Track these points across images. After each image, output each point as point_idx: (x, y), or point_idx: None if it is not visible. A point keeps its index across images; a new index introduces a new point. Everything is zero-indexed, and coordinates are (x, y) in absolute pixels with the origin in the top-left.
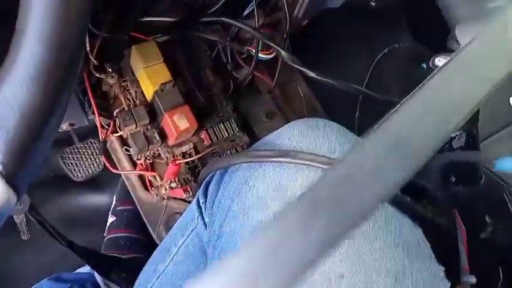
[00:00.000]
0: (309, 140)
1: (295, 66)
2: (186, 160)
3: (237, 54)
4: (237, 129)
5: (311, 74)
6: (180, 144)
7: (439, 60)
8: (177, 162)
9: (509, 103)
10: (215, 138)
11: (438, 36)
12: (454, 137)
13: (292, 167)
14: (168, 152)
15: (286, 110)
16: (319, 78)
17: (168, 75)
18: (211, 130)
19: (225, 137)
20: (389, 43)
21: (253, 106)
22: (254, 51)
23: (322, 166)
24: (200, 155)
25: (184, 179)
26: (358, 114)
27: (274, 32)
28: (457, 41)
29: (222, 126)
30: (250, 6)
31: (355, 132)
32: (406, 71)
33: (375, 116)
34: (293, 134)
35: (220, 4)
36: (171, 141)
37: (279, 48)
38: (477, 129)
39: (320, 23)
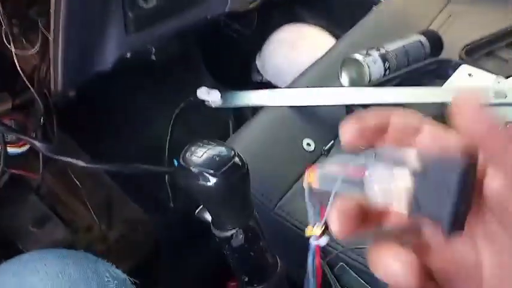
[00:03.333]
0: None
1: (58, 157)
2: None
3: None
4: None
5: (80, 163)
6: None
7: None
8: None
9: None
10: None
11: (237, 73)
12: (231, 236)
13: None
14: None
15: (65, 210)
16: (90, 166)
17: None
18: None
19: None
20: (189, 93)
21: (15, 215)
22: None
23: None
24: None
25: None
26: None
27: (28, 115)
28: (258, 71)
29: None
30: None
31: None
32: (212, 118)
33: None
34: None
35: None
36: None
37: (30, 140)
38: (256, 221)
39: (97, 88)
